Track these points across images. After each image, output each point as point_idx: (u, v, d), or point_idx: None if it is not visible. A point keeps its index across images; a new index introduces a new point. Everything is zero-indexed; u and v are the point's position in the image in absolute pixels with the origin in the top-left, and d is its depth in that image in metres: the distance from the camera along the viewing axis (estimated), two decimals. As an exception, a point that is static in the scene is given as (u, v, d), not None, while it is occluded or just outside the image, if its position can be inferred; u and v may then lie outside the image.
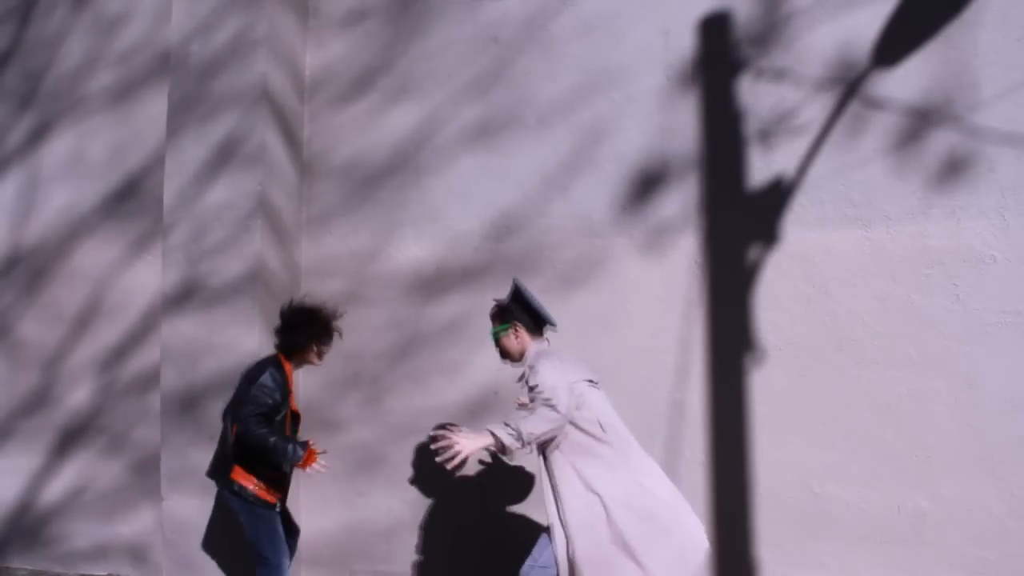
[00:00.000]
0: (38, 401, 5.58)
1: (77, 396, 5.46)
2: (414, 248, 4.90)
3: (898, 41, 4.10)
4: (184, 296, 4.92)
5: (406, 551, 4.81)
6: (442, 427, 3.53)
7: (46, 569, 5.44)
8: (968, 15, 4.00)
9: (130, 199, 5.45)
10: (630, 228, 4.50)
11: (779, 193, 4.26)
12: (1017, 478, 3.83)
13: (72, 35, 5.71)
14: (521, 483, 4.58)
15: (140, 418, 5.27)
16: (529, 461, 3.94)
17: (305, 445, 3.93)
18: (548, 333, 3.72)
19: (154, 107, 5.35)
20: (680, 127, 4.44)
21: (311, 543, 4.96)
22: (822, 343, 4.15)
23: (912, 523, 3.97)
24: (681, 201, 4.42)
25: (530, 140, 4.71)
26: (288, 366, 4.10)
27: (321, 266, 5.09)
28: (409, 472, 4.84)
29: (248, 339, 4.75)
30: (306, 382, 4.91)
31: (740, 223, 4.31)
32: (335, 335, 4.20)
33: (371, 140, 5.04)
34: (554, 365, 3.41)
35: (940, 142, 4.02)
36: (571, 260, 4.59)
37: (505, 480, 4.62)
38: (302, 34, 5.21)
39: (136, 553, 5.25)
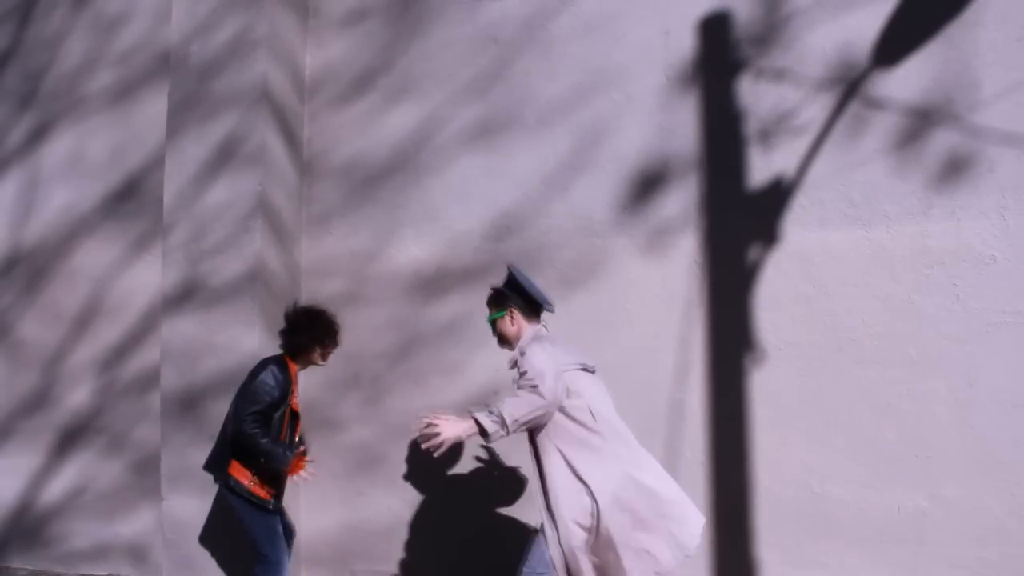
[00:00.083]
0: (38, 401, 5.58)
1: (77, 396, 5.46)
2: (414, 248, 4.91)
3: (898, 41, 4.10)
4: (184, 296, 4.92)
5: (406, 551, 4.81)
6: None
7: (46, 569, 5.44)
8: (968, 15, 4.00)
9: (130, 199, 5.45)
10: (630, 228, 4.50)
11: (779, 193, 4.26)
12: (1017, 478, 3.83)
13: (72, 35, 5.71)
14: (521, 482, 4.58)
15: (140, 418, 5.27)
16: (528, 460, 3.92)
17: (295, 451, 4.00)
18: (548, 320, 3.69)
19: (154, 107, 5.36)
20: (680, 127, 4.44)
21: (311, 543, 4.96)
22: (822, 343, 4.15)
23: (912, 523, 3.97)
24: (681, 201, 4.42)
25: (530, 140, 4.72)
26: (293, 367, 4.15)
27: (321, 266, 5.09)
28: (409, 472, 4.84)
29: (248, 339, 4.75)
30: (306, 382, 4.91)
31: (740, 223, 4.31)
32: (338, 337, 4.24)
33: (371, 140, 5.04)
34: (545, 349, 3.36)
35: (940, 142, 4.02)
36: (571, 260, 4.59)
37: (505, 479, 4.62)
38: (302, 34, 5.21)
39: (136, 553, 5.25)
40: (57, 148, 5.68)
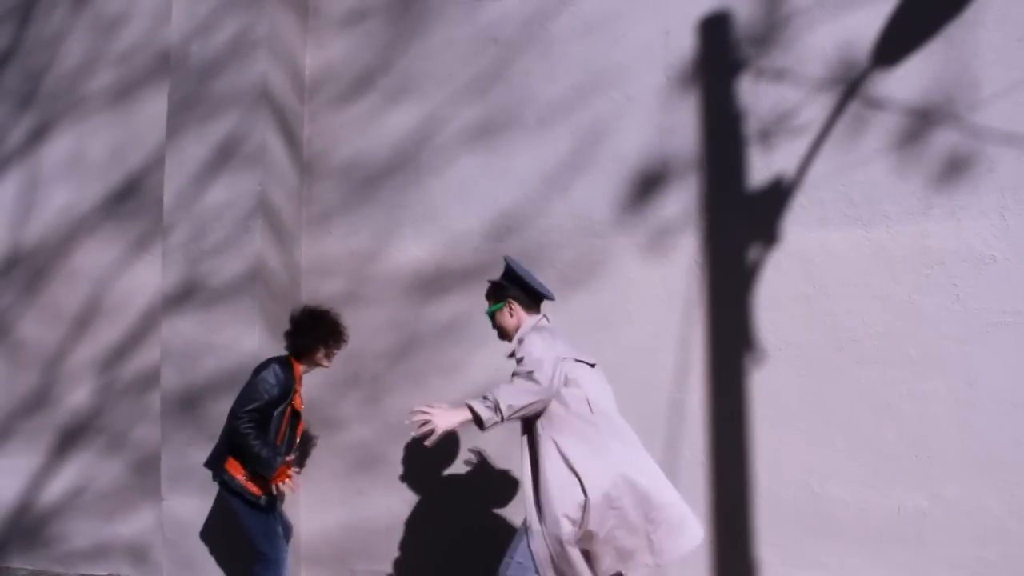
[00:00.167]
0: (38, 401, 5.58)
1: (77, 396, 5.46)
2: (414, 248, 4.91)
3: (898, 41, 4.10)
4: (184, 296, 4.92)
5: (406, 550, 4.81)
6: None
7: (46, 569, 5.45)
8: (968, 15, 4.00)
9: (130, 199, 5.45)
10: (630, 228, 4.50)
11: (779, 193, 4.26)
12: (1017, 478, 3.83)
13: (72, 35, 5.71)
14: (520, 482, 4.57)
15: (140, 418, 5.28)
16: (519, 451, 3.90)
17: (284, 457, 4.04)
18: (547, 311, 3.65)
19: (154, 107, 5.36)
20: (680, 127, 4.45)
21: (311, 542, 4.96)
22: (822, 343, 4.15)
23: (912, 523, 3.97)
24: (681, 201, 4.42)
25: (530, 140, 4.72)
26: (298, 368, 4.17)
27: (321, 266, 5.09)
28: (409, 471, 4.84)
29: (248, 339, 4.75)
30: (307, 381, 4.90)
31: (740, 223, 4.32)
32: (343, 339, 4.26)
33: (371, 140, 5.04)
34: (544, 338, 3.32)
35: (940, 142, 4.02)
36: (571, 260, 4.59)
37: (505, 479, 4.62)
38: (302, 34, 5.21)
39: (136, 553, 5.25)
40: (57, 148, 5.68)
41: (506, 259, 3.63)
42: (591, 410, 3.26)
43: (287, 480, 4.04)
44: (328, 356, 4.24)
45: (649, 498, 3.20)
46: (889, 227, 4.09)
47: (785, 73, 4.28)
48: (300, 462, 4.96)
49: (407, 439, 4.79)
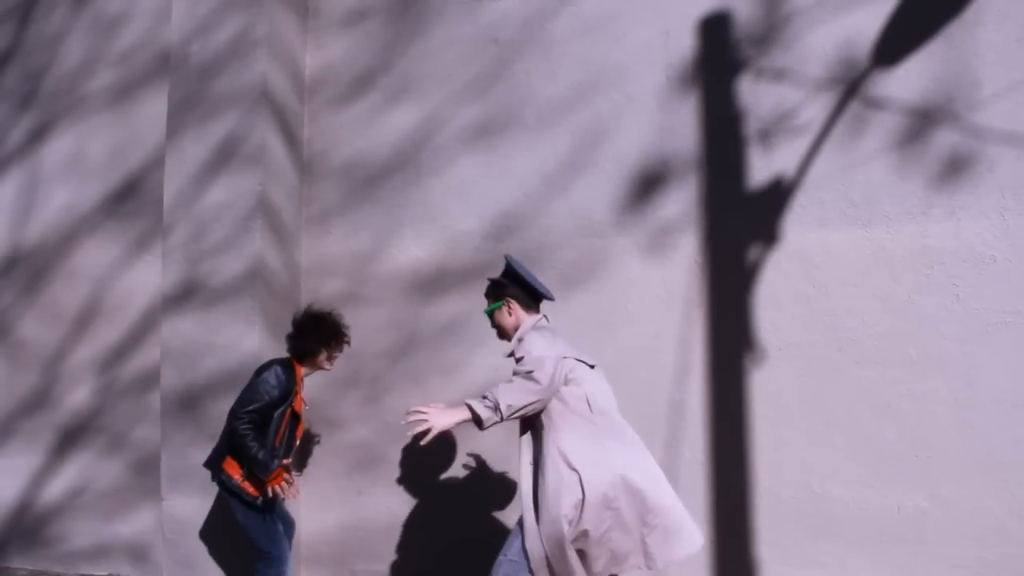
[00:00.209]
0: (38, 401, 5.58)
1: (77, 396, 5.46)
2: (414, 248, 4.91)
3: (898, 41, 4.10)
4: (184, 296, 4.92)
5: (406, 550, 4.81)
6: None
7: (46, 569, 5.45)
8: (968, 15, 4.00)
9: (130, 199, 5.45)
10: (630, 228, 4.50)
11: (779, 193, 4.26)
12: (1017, 478, 3.83)
13: (72, 35, 5.71)
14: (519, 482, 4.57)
15: (140, 418, 5.28)
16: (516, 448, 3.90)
17: (281, 459, 4.03)
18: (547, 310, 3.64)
19: (154, 107, 5.36)
20: (680, 127, 4.44)
21: (311, 542, 4.96)
22: (822, 343, 4.15)
23: (912, 523, 3.97)
24: (681, 201, 4.42)
25: (530, 140, 4.72)
26: (299, 370, 4.17)
27: (321, 266, 5.09)
28: (409, 471, 4.84)
29: (248, 339, 4.75)
30: (306, 382, 4.90)
31: (740, 223, 4.31)
32: (345, 341, 4.26)
33: (371, 140, 5.04)
34: (544, 337, 3.30)
35: (940, 142, 4.02)
36: (571, 260, 4.59)
37: (504, 480, 4.62)
38: (302, 34, 5.21)
39: (136, 553, 5.25)
40: (57, 148, 5.68)
41: (506, 258, 3.61)
42: (591, 409, 3.24)
43: (283, 483, 4.03)
44: (330, 359, 4.25)
45: (646, 500, 3.18)
46: (889, 227, 4.09)
47: (785, 73, 4.28)
48: (301, 463, 4.96)
49: (407, 439, 4.79)
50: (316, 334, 4.16)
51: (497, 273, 3.68)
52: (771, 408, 4.20)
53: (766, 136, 4.29)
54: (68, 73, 5.70)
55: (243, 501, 4.03)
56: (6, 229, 5.78)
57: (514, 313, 3.51)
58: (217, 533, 4.76)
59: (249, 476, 4.02)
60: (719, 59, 4.40)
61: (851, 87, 4.16)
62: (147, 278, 5.29)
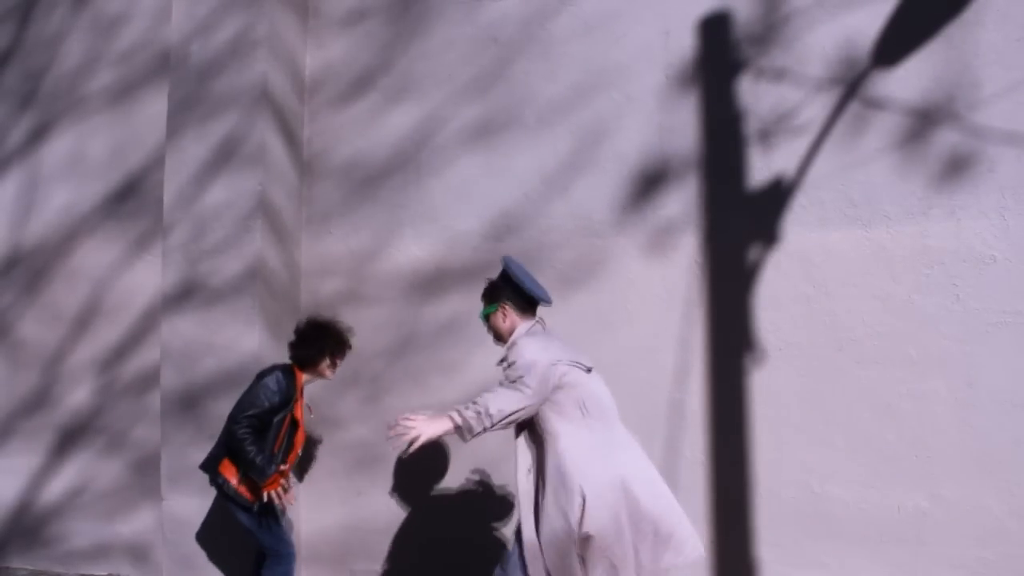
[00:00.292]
0: (38, 401, 5.58)
1: (77, 396, 5.46)
2: (414, 248, 4.91)
3: (898, 41, 4.10)
4: (184, 296, 4.92)
5: (406, 550, 4.81)
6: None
7: (46, 569, 5.44)
8: (968, 15, 4.00)
9: (130, 199, 5.45)
10: (630, 228, 4.50)
11: (779, 193, 4.26)
12: (1017, 478, 3.83)
13: (72, 35, 5.71)
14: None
15: (140, 418, 5.27)
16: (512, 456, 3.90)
17: (278, 465, 4.02)
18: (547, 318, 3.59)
19: (154, 107, 5.35)
20: (680, 127, 4.44)
21: (311, 542, 4.96)
22: (822, 343, 4.15)
23: (912, 523, 3.97)
24: (681, 201, 4.42)
25: (530, 140, 4.71)
26: (300, 377, 4.17)
27: (321, 266, 5.09)
28: (409, 471, 4.84)
29: (248, 339, 4.75)
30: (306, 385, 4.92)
31: (740, 223, 4.31)
32: (347, 350, 4.26)
33: (371, 140, 5.04)
34: (537, 342, 3.24)
35: (940, 142, 4.02)
36: (571, 260, 4.59)
37: (504, 480, 4.62)
38: (302, 34, 5.21)
39: (136, 553, 5.25)
40: (57, 148, 5.68)
41: (504, 259, 3.52)
42: (587, 414, 3.20)
43: (279, 488, 4.01)
44: (332, 367, 4.23)
45: (640, 507, 3.13)
46: (889, 227, 4.09)
47: (785, 73, 4.28)
48: (301, 463, 4.96)
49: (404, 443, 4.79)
50: (319, 342, 4.15)
51: (496, 274, 3.64)
52: (771, 408, 4.20)
53: (766, 136, 4.29)
54: (68, 73, 5.69)
55: (240, 505, 4.03)
56: (6, 229, 5.78)
57: (508, 318, 3.43)
58: (217, 533, 4.76)
59: (245, 480, 4.01)
60: (719, 59, 4.40)
61: (851, 87, 4.16)
62: (147, 278, 5.29)
